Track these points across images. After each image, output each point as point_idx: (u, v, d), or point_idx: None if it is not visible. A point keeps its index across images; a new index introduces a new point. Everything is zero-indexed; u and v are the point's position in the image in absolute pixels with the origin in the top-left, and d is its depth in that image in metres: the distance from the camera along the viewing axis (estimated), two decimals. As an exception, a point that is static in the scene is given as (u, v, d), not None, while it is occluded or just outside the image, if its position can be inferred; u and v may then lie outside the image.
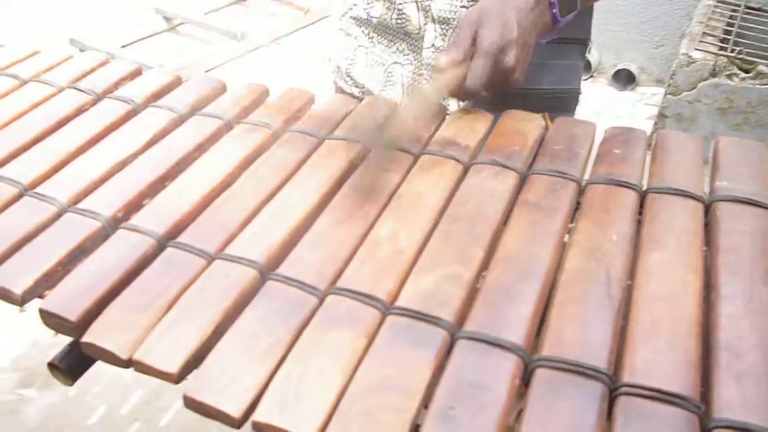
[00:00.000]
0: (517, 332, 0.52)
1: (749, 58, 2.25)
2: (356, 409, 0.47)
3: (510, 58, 0.71)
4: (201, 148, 0.76)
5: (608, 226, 0.62)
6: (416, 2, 0.89)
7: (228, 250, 0.61)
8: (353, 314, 0.54)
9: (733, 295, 0.55)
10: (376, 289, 0.56)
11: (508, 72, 0.72)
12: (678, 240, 0.61)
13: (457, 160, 0.71)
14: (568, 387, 0.48)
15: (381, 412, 0.46)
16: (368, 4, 0.95)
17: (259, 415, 0.47)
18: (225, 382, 0.49)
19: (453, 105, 0.87)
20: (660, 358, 0.50)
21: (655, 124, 2.41)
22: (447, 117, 0.79)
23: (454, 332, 0.53)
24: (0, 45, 0.98)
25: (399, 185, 0.68)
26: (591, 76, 2.97)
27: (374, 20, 0.95)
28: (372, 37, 0.98)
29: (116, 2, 3.35)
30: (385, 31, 0.96)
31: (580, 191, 0.69)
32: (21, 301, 0.58)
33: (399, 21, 0.92)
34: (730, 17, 2.52)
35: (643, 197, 0.67)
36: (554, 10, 0.76)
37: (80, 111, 0.83)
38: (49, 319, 0.56)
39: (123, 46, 2.95)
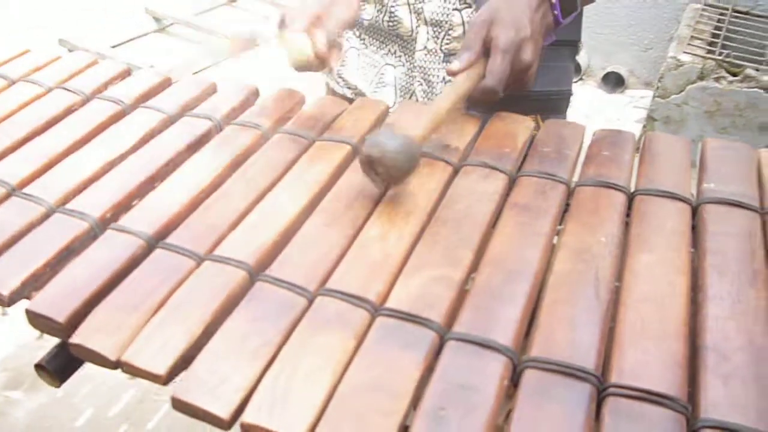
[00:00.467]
0: (506, 333, 0.52)
1: (737, 62, 2.27)
2: (345, 410, 0.47)
3: (528, 55, 0.72)
4: (190, 149, 0.76)
5: (597, 228, 0.63)
6: (408, 4, 0.90)
7: (217, 251, 0.61)
8: (342, 315, 0.54)
9: (720, 296, 0.55)
10: (365, 290, 0.56)
11: (525, 69, 0.72)
12: (666, 242, 0.61)
13: (447, 162, 0.71)
14: (557, 388, 0.48)
15: (370, 413, 0.46)
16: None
17: (247, 417, 0.47)
18: (214, 383, 0.49)
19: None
20: (648, 358, 0.50)
21: (644, 126, 2.42)
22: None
23: (444, 333, 0.53)
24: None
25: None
26: (580, 79, 2.98)
27: (365, 22, 0.95)
28: (363, 39, 0.98)
29: (108, 3, 3.33)
30: (376, 33, 0.96)
31: (569, 193, 0.69)
32: (8, 301, 0.58)
33: (390, 23, 0.92)
34: (718, 21, 2.54)
35: (631, 199, 0.68)
36: (556, 11, 0.76)
37: (69, 111, 0.82)
38: (36, 320, 0.56)
39: (113, 47, 2.94)
